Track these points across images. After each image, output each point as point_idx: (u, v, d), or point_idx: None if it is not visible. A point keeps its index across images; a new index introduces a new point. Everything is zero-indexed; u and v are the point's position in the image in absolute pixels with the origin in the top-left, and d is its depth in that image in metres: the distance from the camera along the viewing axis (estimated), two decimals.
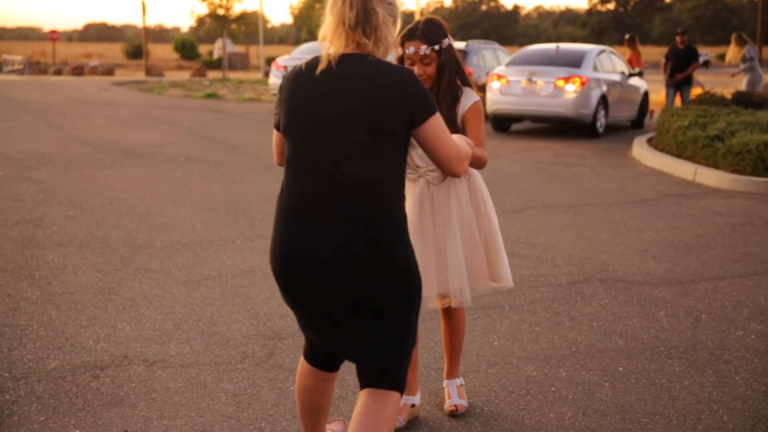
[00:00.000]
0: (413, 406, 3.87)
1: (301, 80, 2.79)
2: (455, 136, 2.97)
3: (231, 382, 4.24)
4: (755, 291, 5.97)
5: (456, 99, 3.61)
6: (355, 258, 2.67)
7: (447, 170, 2.82)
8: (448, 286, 3.62)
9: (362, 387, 2.91)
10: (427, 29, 3.52)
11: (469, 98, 3.64)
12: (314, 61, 2.76)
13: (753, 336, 5.06)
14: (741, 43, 16.36)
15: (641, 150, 12.89)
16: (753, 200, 9.45)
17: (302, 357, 3.13)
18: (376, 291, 2.71)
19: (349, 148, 2.69)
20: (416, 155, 3.56)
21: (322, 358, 3.06)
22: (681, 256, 6.91)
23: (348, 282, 2.69)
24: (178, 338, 4.85)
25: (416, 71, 3.49)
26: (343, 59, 2.71)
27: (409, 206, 3.57)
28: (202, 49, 70.91)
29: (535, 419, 3.90)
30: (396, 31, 2.85)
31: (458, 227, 3.61)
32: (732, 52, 16.56)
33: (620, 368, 4.53)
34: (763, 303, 5.70)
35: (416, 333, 2.99)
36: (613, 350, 4.80)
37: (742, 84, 16.57)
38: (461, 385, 3.97)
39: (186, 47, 71.76)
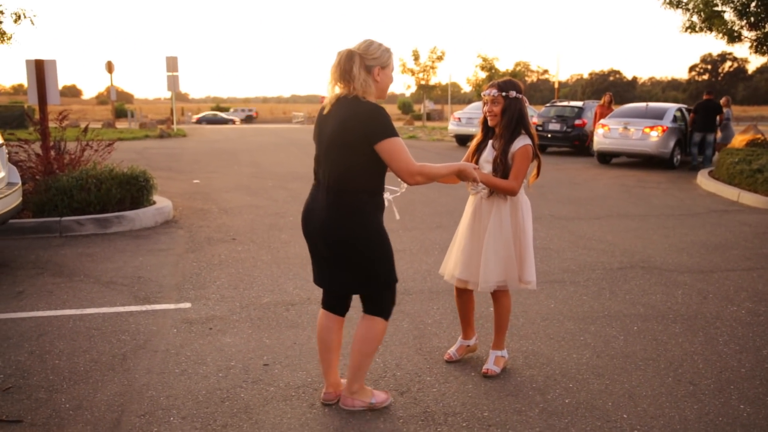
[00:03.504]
0: (468, 346, 3.75)
1: (320, 113, 2.97)
2: (445, 165, 3.07)
3: None
4: (757, 280, 5.41)
5: (512, 138, 3.36)
6: (329, 221, 2.88)
7: (401, 179, 2.87)
8: (479, 275, 3.41)
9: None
10: (502, 82, 3.39)
11: (521, 141, 3.35)
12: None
13: (743, 311, 4.61)
14: (726, 105, 14.63)
15: (702, 178, 11.88)
16: None
17: (321, 307, 3.19)
18: (338, 242, 2.89)
19: (333, 154, 2.86)
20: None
21: (333, 303, 3.15)
22: (708, 253, 6.37)
23: (326, 234, 2.90)
24: None
25: (488, 108, 3.41)
26: (338, 99, 2.88)
27: (467, 213, 3.57)
28: (416, 107, 71.92)
29: (561, 357, 3.78)
30: (389, 71, 2.93)
31: (495, 234, 3.39)
32: None
33: (635, 327, 4.28)
34: (760, 289, 5.16)
35: (387, 276, 2.96)
36: (634, 315, 4.53)
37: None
38: (501, 356, 3.57)
39: (406, 105, 73.18)
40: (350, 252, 2.88)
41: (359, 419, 3.02)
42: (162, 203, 7.85)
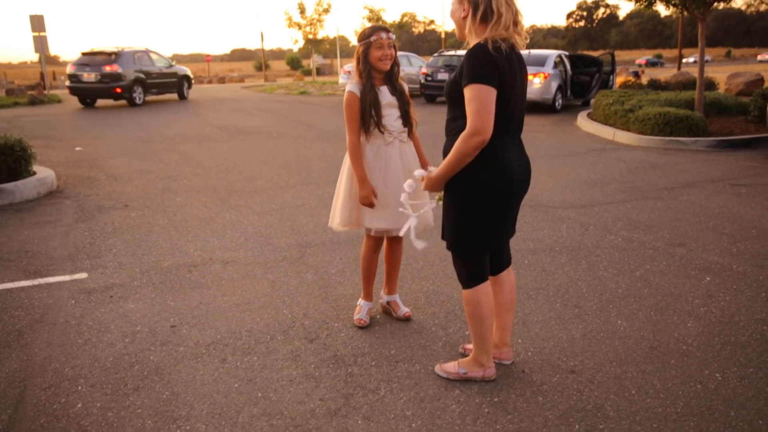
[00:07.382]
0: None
1: (505, 61, 2.58)
2: None
3: (272, 273, 4.41)
4: (631, 210, 5.91)
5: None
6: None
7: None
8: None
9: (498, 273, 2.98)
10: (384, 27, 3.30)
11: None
12: None
13: (620, 239, 5.05)
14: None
15: (582, 120, 12.63)
16: (649, 152, 9.24)
17: (484, 282, 2.82)
18: None
19: (523, 101, 2.78)
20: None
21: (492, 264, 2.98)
22: (588, 189, 6.85)
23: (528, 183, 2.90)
24: (245, 248, 5.03)
25: (384, 52, 3.23)
26: (512, 48, 2.64)
27: (387, 159, 3.41)
28: (305, 62, 70.56)
29: (460, 294, 3.93)
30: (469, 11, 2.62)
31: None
32: None
33: (526, 261, 4.59)
34: (633, 218, 5.65)
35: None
36: (524, 250, 4.84)
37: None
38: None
39: (294, 61, 71.59)
40: None
41: (272, 369, 3.09)
42: (43, 173, 7.40)
